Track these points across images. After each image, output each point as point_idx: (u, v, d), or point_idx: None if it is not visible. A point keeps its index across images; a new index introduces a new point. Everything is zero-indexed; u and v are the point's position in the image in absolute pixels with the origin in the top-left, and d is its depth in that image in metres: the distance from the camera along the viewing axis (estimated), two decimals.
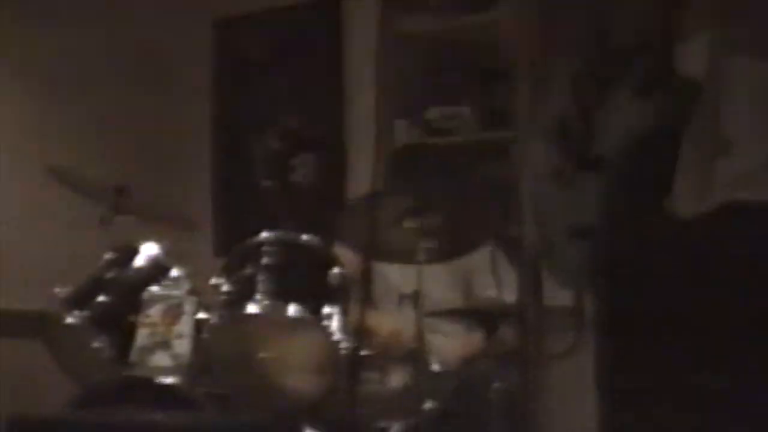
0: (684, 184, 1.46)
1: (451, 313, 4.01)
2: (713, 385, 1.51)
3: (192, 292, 3.91)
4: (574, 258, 1.59)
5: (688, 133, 1.45)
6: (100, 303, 3.97)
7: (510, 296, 3.77)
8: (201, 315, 3.82)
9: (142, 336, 3.81)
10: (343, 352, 3.58)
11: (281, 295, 3.64)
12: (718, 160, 1.45)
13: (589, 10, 1.54)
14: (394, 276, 4.09)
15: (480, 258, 4.04)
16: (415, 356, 3.59)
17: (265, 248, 3.75)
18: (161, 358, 3.77)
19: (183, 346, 3.78)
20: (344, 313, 3.68)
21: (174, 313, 3.82)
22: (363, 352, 3.57)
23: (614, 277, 1.58)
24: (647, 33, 1.49)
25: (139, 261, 4.11)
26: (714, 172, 1.45)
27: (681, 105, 1.44)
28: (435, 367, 3.70)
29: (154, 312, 3.84)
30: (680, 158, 1.46)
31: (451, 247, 3.78)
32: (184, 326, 3.81)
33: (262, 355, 3.61)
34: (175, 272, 4.04)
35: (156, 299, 3.87)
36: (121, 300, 3.99)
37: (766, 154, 1.45)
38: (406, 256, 3.69)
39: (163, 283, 3.98)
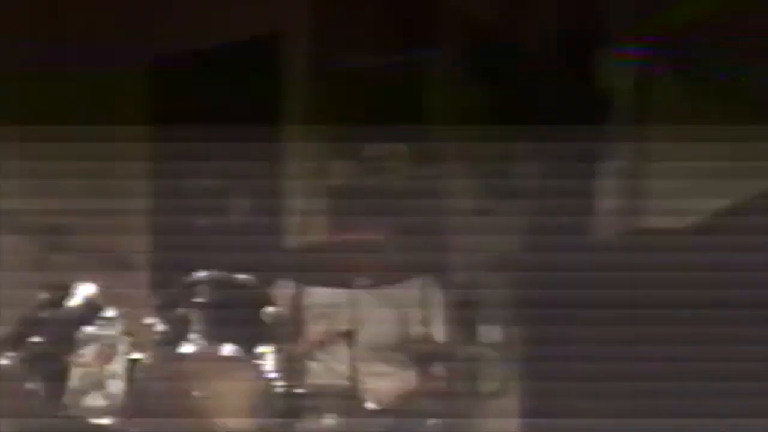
0: (602, 209, 1.48)
1: (386, 351, 4.02)
2: None
3: (126, 332, 3.89)
4: (502, 291, 1.60)
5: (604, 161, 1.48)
6: (34, 343, 3.94)
7: (442, 332, 3.80)
8: (135, 355, 3.81)
9: (75, 377, 3.78)
10: (277, 390, 3.58)
11: (215, 334, 3.63)
12: (635, 187, 1.47)
13: None
14: (329, 313, 4.09)
15: (413, 292, 4.06)
16: (350, 394, 3.59)
17: (199, 287, 3.75)
18: (95, 399, 3.75)
19: (117, 387, 3.76)
20: (279, 352, 3.68)
21: (108, 353, 3.80)
22: (297, 391, 3.57)
23: (540, 307, 1.59)
24: None
25: (73, 301, 4.08)
26: (630, 198, 1.47)
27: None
28: (369, 405, 3.71)
29: (88, 352, 3.81)
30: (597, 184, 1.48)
31: (384, 278, 3.80)
32: (118, 366, 3.79)
33: (196, 394, 3.60)
34: (109, 312, 4.02)
35: (90, 339, 3.84)
36: (55, 340, 3.95)
37: (680, 184, 1.47)
38: (340, 285, 3.72)
39: (97, 323, 3.95)
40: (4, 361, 3.87)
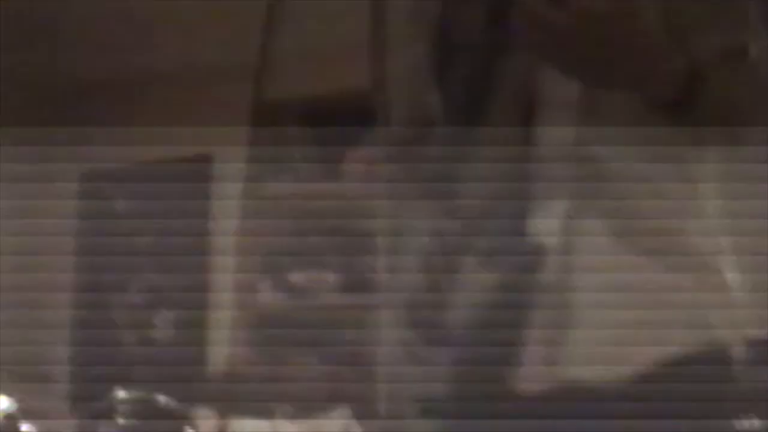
0: (531, 359, 1.48)
1: None
2: None
3: None
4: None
5: (534, 303, 1.48)
6: None
7: None
8: None
9: None
10: None
11: None
12: (563, 337, 1.48)
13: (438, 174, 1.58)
14: None
15: (335, 425, 4.04)
16: None
17: (120, 407, 3.70)
18: None
19: None
20: None
21: None
22: None
23: None
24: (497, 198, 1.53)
25: None
26: (558, 349, 1.48)
27: (529, 275, 1.48)
28: None
29: None
30: (528, 333, 1.49)
31: (307, 409, 3.79)
32: None
33: None
34: (25, 428, 3.95)
35: None
36: None
37: (609, 333, 1.49)
38: (263, 415, 3.69)
39: None
40: None
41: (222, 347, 4.52)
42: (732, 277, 1.56)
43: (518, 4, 1.32)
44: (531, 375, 1.46)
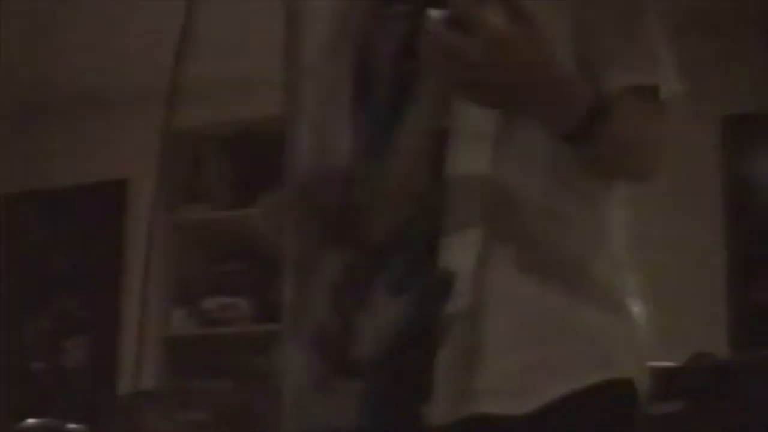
0: (440, 391, 1.48)
1: None
2: None
3: None
4: None
5: (445, 337, 1.48)
6: None
7: None
8: None
9: None
10: None
11: None
12: (471, 368, 1.48)
13: (348, 206, 1.57)
14: None
15: None
16: None
17: None
18: None
19: None
20: None
21: None
22: None
23: None
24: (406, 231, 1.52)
25: None
26: (466, 380, 1.48)
27: (438, 305, 1.48)
28: None
29: None
30: (438, 363, 1.48)
31: None
32: None
33: None
34: None
35: None
36: None
37: (517, 366, 1.49)
38: None
39: None
40: None
41: (134, 374, 4.47)
42: (636, 309, 1.58)
43: (426, 32, 1.32)
44: (440, 407, 1.46)
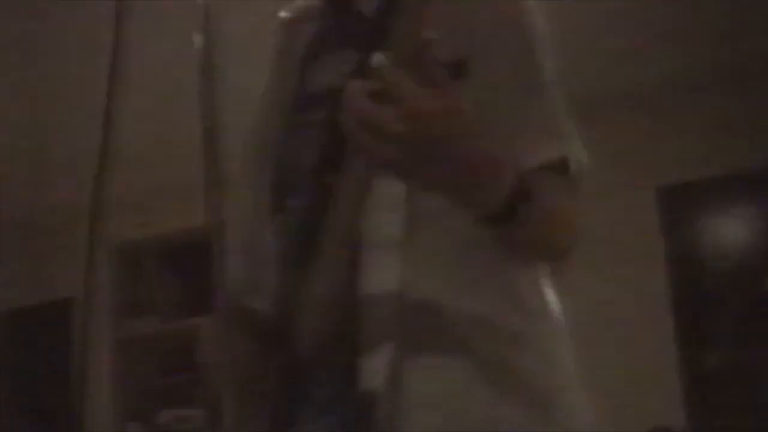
0: None
1: None
2: None
3: None
4: None
5: None
6: None
7: None
8: None
9: None
10: None
11: None
12: None
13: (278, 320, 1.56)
14: None
15: None
16: None
17: None
18: None
19: None
20: None
21: None
22: None
23: None
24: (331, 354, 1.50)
25: None
26: None
27: (364, 420, 1.45)
28: None
29: None
30: None
31: None
32: None
33: None
34: None
35: None
36: None
37: None
38: None
39: None
40: None
41: None
42: (567, 411, 1.52)
43: (346, 103, 1.27)
44: None
